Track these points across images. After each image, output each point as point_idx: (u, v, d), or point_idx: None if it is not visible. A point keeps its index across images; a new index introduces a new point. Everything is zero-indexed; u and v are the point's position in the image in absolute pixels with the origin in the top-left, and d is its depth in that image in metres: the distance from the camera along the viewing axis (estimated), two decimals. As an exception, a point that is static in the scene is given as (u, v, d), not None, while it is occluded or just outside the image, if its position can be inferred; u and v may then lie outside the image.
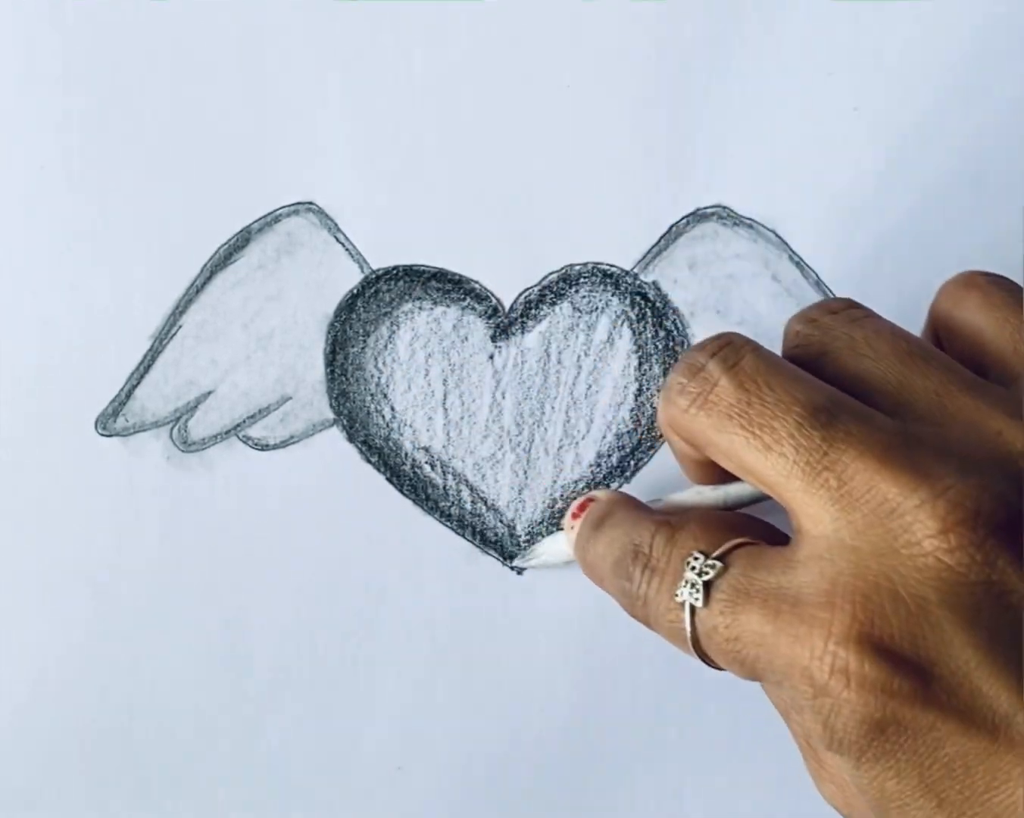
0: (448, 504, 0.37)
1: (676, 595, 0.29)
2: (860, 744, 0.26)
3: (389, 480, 0.37)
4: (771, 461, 0.28)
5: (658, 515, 0.32)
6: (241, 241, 0.37)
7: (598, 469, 0.37)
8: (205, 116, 0.37)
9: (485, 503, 0.37)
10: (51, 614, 0.36)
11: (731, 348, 0.29)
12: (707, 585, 0.28)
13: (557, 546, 0.36)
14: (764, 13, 0.37)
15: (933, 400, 0.28)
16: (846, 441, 0.27)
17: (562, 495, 0.37)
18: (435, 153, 0.37)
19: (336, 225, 0.37)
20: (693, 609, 0.28)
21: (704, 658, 0.29)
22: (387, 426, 0.37)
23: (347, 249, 0.37)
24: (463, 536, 0.37)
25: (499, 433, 0.37)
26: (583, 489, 0.37)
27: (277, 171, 0.37)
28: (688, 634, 0.29)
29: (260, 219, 0.37)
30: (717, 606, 0.28)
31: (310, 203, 0.37)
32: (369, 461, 0.37)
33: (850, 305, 0.31)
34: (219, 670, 0.37)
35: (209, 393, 0.37)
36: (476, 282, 0.37)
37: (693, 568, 0.29)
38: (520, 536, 0.37)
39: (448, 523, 0.37)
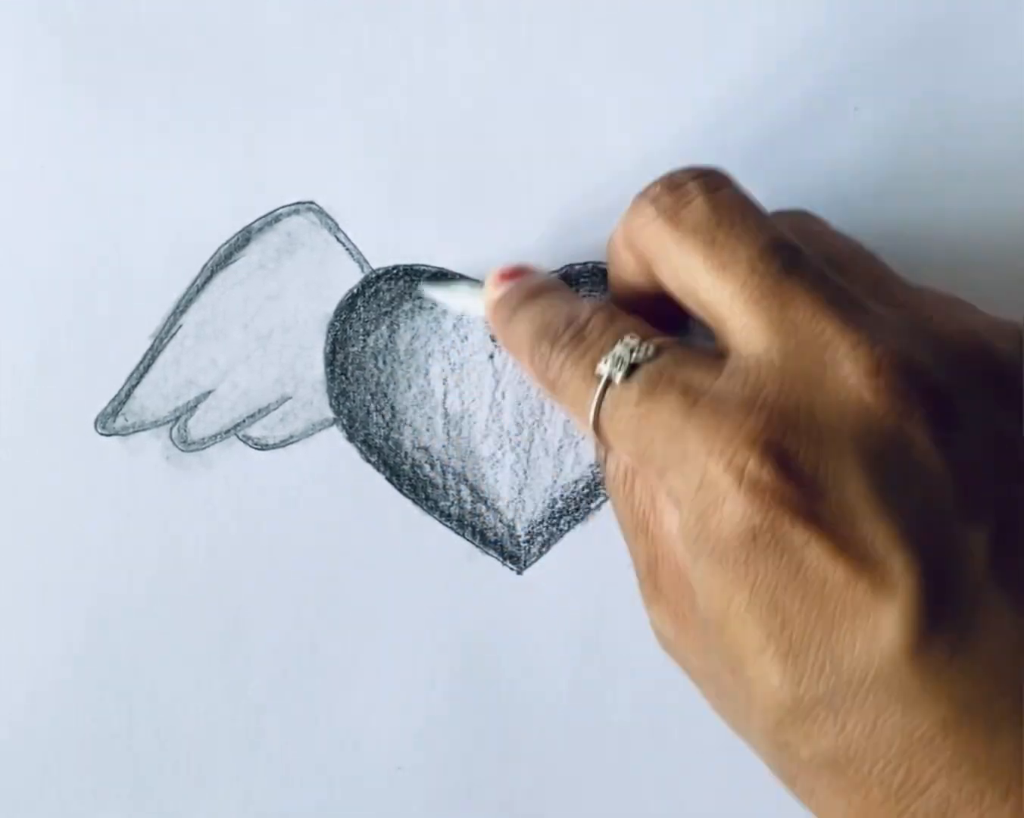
0: (448, 504, 0.37)
1: (598, 366, 0.29)
2: (728, 544, 0.26)
3: (389, 480, 0.37)
4: (721, 280, 0.28)
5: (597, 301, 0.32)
6: (241, 241, 0.37)
7: (598, 469, 0.37)
8: (205, 115, 0.37)
9: (485, 503, 0.37)
10: (51, 614, 0.36)
11: (715, 175, 0.30)
12: (632, 365, 0.29)
13: (472, 300, 0.36)
14: (764, 13, 0.37)
15: (871, 280, 0.30)
16: (800, 278, 0.28)
17: (562, 495, 0.37)
18: (435, 153, 0.37)
19: (336, 225, 0.37)
20: (609, 383, 0.29)
21: (596, 433, 0.29)
22: (387, 425, 0.37)
23: (347, 249, 0.37)
24: (463, 536, 0.37)
25: (499, 433, 0.37)
26: (583, 489, 0.37)
27: (277, 171, 0.37)
28: (594, 404, 0.29)
29: (260, 218, 0.37)
30: (637, 385, 0.28)
31: (310, 203, 0.37)
32: (369, 461, 0.37)
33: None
34: (219, 670, 0.37)
35: (209, 392, 0.37)
36: (476, 282, 0.37)
37: (626, 345, 0.29)
38: (520, 536, 0.37)
39: (448, 523, 0.37)
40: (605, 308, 0.31)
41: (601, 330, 0.30)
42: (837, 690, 0.25)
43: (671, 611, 0.30)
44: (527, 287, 0.34)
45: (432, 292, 0.37)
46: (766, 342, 0.27)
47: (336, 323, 0.37)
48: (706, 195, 0.29)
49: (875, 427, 0.26)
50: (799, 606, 0.25)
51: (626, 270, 0.32)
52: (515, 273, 0.34)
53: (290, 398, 0.37)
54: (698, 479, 0.27)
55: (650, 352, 0.29)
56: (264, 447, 0.37)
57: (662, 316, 0.31)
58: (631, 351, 0.29)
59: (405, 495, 0.37)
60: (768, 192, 0.37)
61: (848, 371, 0.26)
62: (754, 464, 0.26)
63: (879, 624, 0.25)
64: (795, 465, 0.26)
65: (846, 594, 0.25)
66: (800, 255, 0.28)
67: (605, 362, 0.29)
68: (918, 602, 0.25)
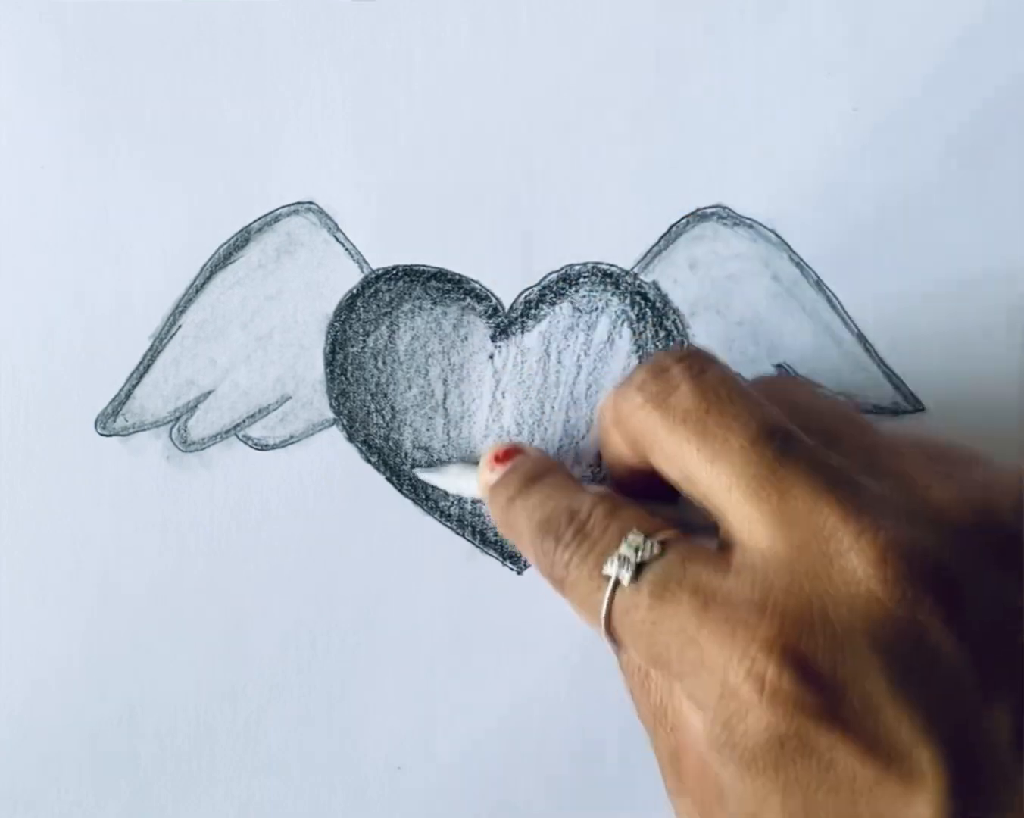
0: (448, 504, 0.37)
1: (604, 566, 0.29)
2: (756, 753, 0.26)
3: (389, 480, 0.37)
4: (717, 470, 0.28)
5: (595, 491, 0.32)
6: (241, 241, 0.37)
7: (598, 469, 0.37)
8: (205, 116, 0.37)
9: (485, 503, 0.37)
10: (51, 614, 0.36)
11: (698, 358, 0.30)
12: (639, 565, 0.28)
13: (465, 482, 0.36)
14: (764, 13, 0.37)
15: (864, 451, 0.29)
16: (796, 464, 0.27)
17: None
18: (435, 153, 0.37)
19: (336, 225, 0.37)
20: (617, 584, 0.28)
21: (609, 635, 0.29)
22: (387, 426, 0.37)
23: (347, 249, 0.37)
24: (463, 536, 0.37)
25: (499, 433, 0.37)
26: (583, 489, 0.37)
27: (277, 171, 0.37)
28: (604, 608, 0.29)
29: (260, 219, 0.37)
30: (646, 587, 0.28)
31: (310, 203, 0.37)
32: (369, 461, 0.37)
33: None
34: (219, 670, 0.37)
35: (209, 393, 0.37)
36: (476, 282, 0.37)
37: (630, 544, 0.29)
38: (520, 536, 0.37)
39: (448, 523, 0.37)
40: (605, 501, 0.30)
41: (604, 526, 0.30)
42: None
43: (697, 802, 0.29)
44: (523, 474, 0.33)
45: (426, 476, 0.37)
46: (769, 536, 0.27)
47: (336, 323, 0.37)
48: (692, 380, 0.29)
49: (888, 618, 0.26)
50: (832, 805, 0.26)
51: (618, 449, 0.32)
52: (508, 454, 0.34)
53: (290, 398, 0.37)
54: (718, 688, 0.26)
55: (655, 550, 0.28)
56: (264, 447, 0.37)
57: (659, 487, 0.31)
58: (636, 550, 0.29)
59: (405, 495, 0.37)
60: (768, 193, 0.37)
61: (855, 563, 0.26)
62: (773, 672, 0.26)
63: (912, 816, 0.25)
64: (813, 668, 0.26)
65: (876, 790, 0.25)
66: (793, 438, 0.28)
67: (611, 563, 0.29)
68: (948, 792, 0.25)
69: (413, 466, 0.37)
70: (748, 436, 0.28)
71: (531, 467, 0.34)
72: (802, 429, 0.29)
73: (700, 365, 0.29)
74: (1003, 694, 0.26)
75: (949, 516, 0.28)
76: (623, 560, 0.28)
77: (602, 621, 0.29)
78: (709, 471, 0.28)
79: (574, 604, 0.30)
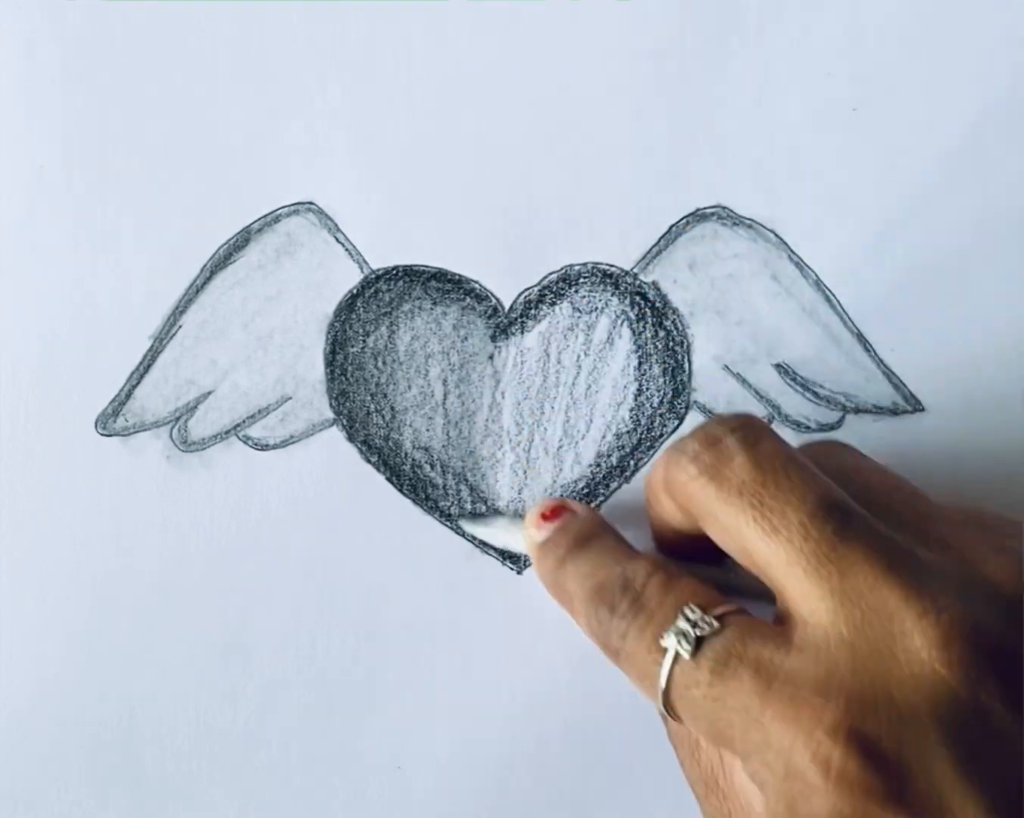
0: (448, 504, 0.37)
1: (662, 640, 0.29)
2: None
3: (389, 480, 0.37)
4: (776, 545, 0.28)
5: (646, 557, 0.32)
6: (241, 241, 0.37)
7: (598, 469, 0.37)
8: (205, 116, 0.37)
9: (485, 503, 0.37)
10: (51, 614, 0.36)
11: (752, 428, 0.29)
12: (699, 640, 0.28)
13: (512, 537, 0.36)
14: (764, 13, 0.37)
15: (917, 521, 0.29)
16: (856, 541, 0.27)
17: (562, 495, 0.37)
18: (435, 153, 0.37)
19: (336, 225, 0.37)
20: (675, 660, 0.28)
21: (667, 709, 0.29)
22: (387, 426, 0.37)
23: (347, 249, 0.37)
24: (463, 536, 0.37)
25: (499, 433, 0.37)
26: (583, 489, 0.37)
27: (277, 171, 0.37)
28: (663, 683, 0.29)
29: (260, 219, 0.37)
30: (706, 664, 0.28)
31: (310, 203, 0.37)
32: (369, 461, 0.37)
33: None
34: (219, 670, 0.37)
35: (209, 393, 0.37)
36: (476, 282, 0.37)
37: (688, 619, 0.29)
38: (520, 536, 0.37)
39: (448, 523, 0.37)
40: (660, 570, 0.30)
41: (659, 598, 0.29)
42: None
43: None
44: (573, 535, 0.33)
45: (471, 528, 0.37)
46: (831, 614, 0.27)
47: (336, 323, 0.37)
48: (747, 451, 0.29)
49: (953, 700, 0.26)
50: None
51: (667, 515, 0.31)
52: (555, 511, 0.34)
53: (290, 398, 0.37)
54: (783, 769, 0.26)
55: (714, 625, 0.28)
56: (264, 447, 0.37)
57: (707, 549, 0.30)
58: (694, 625, 0.28)
59: (405, 495, 0.37)
60: (767, 193, 0.37)
61: (919, 644, 0.26)
62: (839, 755, 0.25)
63: None
64: (879, 751, 0.25)
65: None
66: (851, 513, 0.28)
67: (669, 637, 0.28)
68: None
69: (413, 466, 0.37)
70: (807, 511, 0.28)
71: (580, 528, 0.33)
72: (854, 498, 0.29)
73: (755, 435, 0.29)
74: None
75: (1006, 591, 0.28)
76: (682, 634, 0.28)
77: (659, 696, 0.29)
78: (767, 545, 0.28)
79: (631, 676, 0.30)
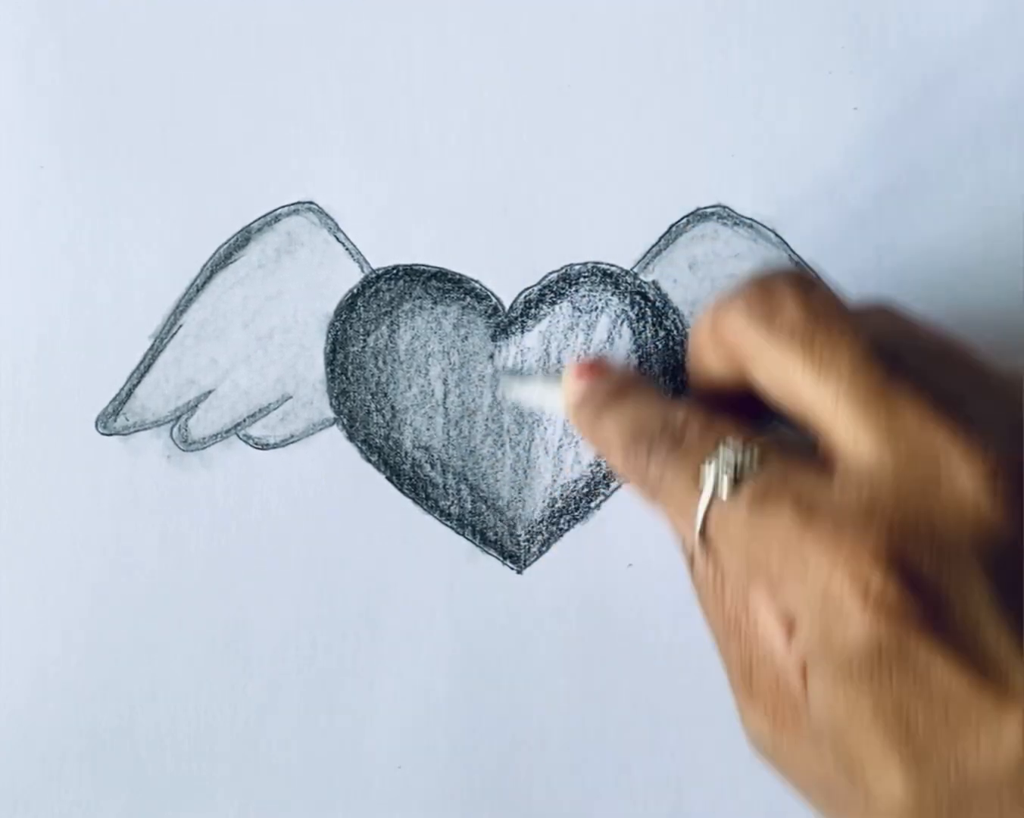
0: (448, 503, 0.37)
1: (702, 472, 0.29)
2: (854, 660, 0.26)
3: (389, 479, 0.37)
4: (824, 384, 0.28)
5: (688, 402, 0.32)
6: (241, 240, 0.37)
7: (598, 468, 0.37)
8: (205, 116, 0.37)
9: (485, 502, 0.37)
10: (51, 613, 0.36)
11: (805, 279, 0.30)
12: (738, 473, 0.28)
13: (550, 395, 0.35)
14: (764, 12, 0.37)
15: (969, 373, 0.29)
16: (904, 382, 0.27)
17: (562, 494, 0.37)
18: (435, 153, 0.37)
19: (336, 225, 0.37)
20: (714, 492, 0.28)
21: (701, 541, 0.29)
22: (387, 425, 0.37)
23: (347, 249, 0.37)
24: (463, 535, 0.37)
25: (499, 433, 0.37)
26: (583, 488, 0.37)
27: (277, 171, 0.37)
28: (701, 515, 0.28)
29: (260, 219, 0.37)
30: (746, 495, 0.28)
31: (310, 203, 0.37)
32: (369, 460, 0.37)
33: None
34: (219, 670, 0.37)
35: (209, 392, 0.37)
36: (476, 282, 0.37)
37: (730, 449, 0.28)
38: (520, 535, 0.37)
39: (448, 522, 0.37)
40: (699, 411, 0.30)
41: (700, 433, 0.29)
42: (961, 796, 0.26)
43: (770, 715, 0.29)
44: (611, 384, 0.33)
45: (508, 387, 0.36)
46: (877, 449, 0.27)
47: (336, 323, 0.37)
48: (799, 297, 0.29)
49: (994, 534, 0.26)
50: (923, 715, 0.26)
51: (712, 367, 0.31)
52: (594, 368, 0.34)
53: (290, 398, 0.37)
54: (820, 594, 0.26)
55: (755, 456, 0.28)
56: (264, 447, 0.37)
57: (746, 415, 0.30)
58: (735, 456, 0.28)
59: (405, 495, 0.37)
60: (767, 193, 0.37)
61: (964, 478, 0.26)
62: (878, 580, 0.26)
63: (1003, 732, 0.25)
64: (919, 579, 0.26)
65: (970, 703, 0.25)
66: (901, 356, 0.28)
67: (710, 468, 0.28)
68: None
69: (413, 465, 0.37)
70: (858, 352, 0.28)
71: (619, 379, 0.33)
72: (908, 349, 0.29)
73: (808, 284, 0.29)
74: None
75: None
76: (722, 466, 0.28)
77: (697, 527, 0.29)
78: (815, 385, 0.28)
79: (668, 512, 0.30)
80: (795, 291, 0.29)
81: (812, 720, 0.28)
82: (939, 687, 0.25)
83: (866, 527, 0.26)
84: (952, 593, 0.26)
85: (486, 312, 0.37)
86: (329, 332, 0.37)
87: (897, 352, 0.28)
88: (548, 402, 0.36)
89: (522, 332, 0.37)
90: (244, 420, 0.37)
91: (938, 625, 0.25)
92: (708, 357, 0.31)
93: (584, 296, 0.37)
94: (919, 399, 0.27)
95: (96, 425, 0.37)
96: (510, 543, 0.37)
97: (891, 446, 0.27)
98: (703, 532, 0.29)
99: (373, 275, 0.37)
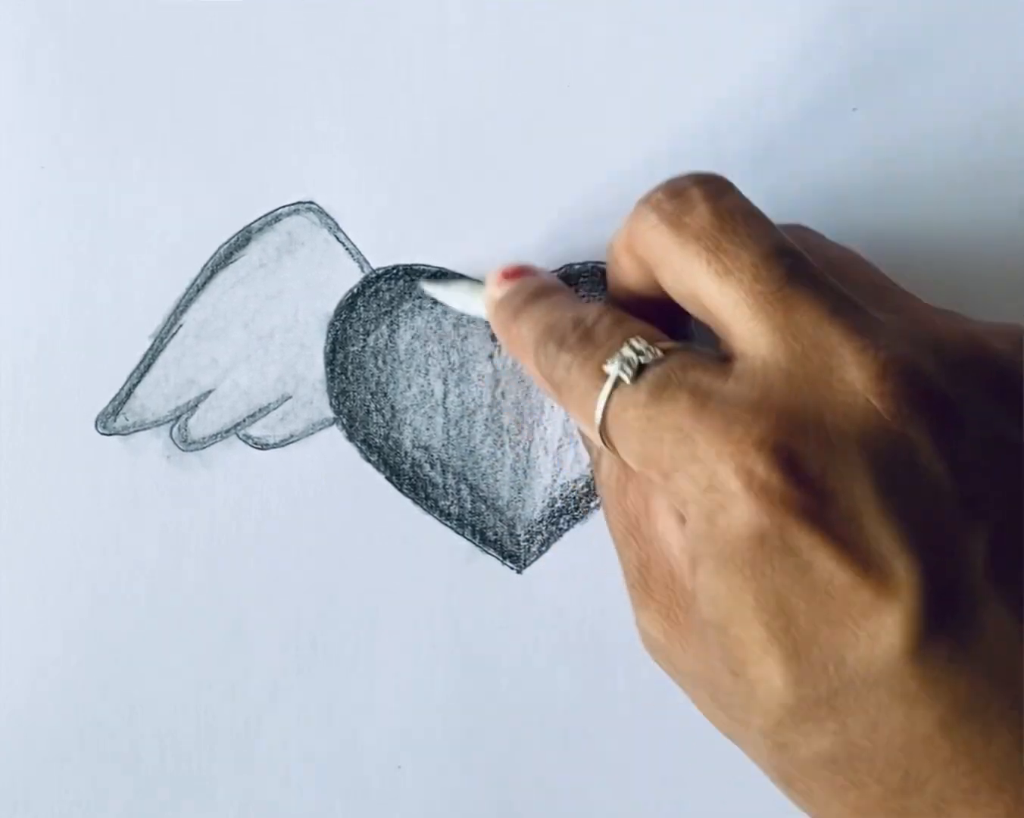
0: (448, 503, 0.37)
1: (606, 366, 0.29)
2: (736, 547, 0.26)
3: (389, 479, 0.37)
4: (725, 285, 0.28)
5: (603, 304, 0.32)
6: (242, 240, 0.37)
7: (590, 471, 0.37)
8: (205, 115, 0.37)
9: (485, 502, 0.37)
10: (51, 614, 0.36)
11: (717, 182, 0.30)
12: (641, 366, 0.28)
13: (471, 298, 0.36)
14: (764, 12, 0.37)
15: (872, 287, 0.30)
16: (804, 284, 0.28)
17: (562, 494, 0.37)
18: (435, 153, 0.37)
19: (336, 225, 0.37)
20: (616, 384, 0.29)
21: (602, 436, 0.29)
22: (387, 425, 0.37)
23: (347, 248, 0.37)
24: (463, 535, 0.37)
25: (499, 433, 0.37)
26: (583, 488, 0.37)
27: (277, 171, 0.37)
28: (601, 406, 0.29)
29: (260, 218, 0.37)
30: (644, 386, 0.28)
31: (310, 203, 0.37)
32: (369, 460, 0.37)
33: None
34: (219, 670, 0.37)
35: (209, 392, 0.37)
36: (476, 281, 0.37)
37: (633, 348, 0.29)
38: (520, 535, 0.37)
39: (448, 522, 0.37)
40: (611, 311, 0.31)
41: (608, 332, 0.30)
42: (839, 690, 0.26)
43: (663, 614, 0.30)
44: (531, 287, 0.33)
45: (432, 290, 0.37)
46: (772, 346, 0.27)
47: (336, 323, 0.37)
48: (709, 201, 0.29)
49: (881, 432, 0.26)
50: (804, 608, 0.26)
51: (627, 275, 0.32)
52: (517, 272, 0.34)
53: (290, 397, 0.37)
54: (707, 481, 0.27)
55: (658, 355, 0.29)
56: (264, 447, 0.37)
57: (662, 322, 0.31)
58: (639, 353, 0.29)
59: (405, 495, 0.37)
60: (767, 193, 0.37)
61: (854, 376, 0.27)
62: (763, 468, 0.26)
63: (882, 626, 0.25)
64: (803, 469, 0.26)
65: (851, 596, 0.25)
66: (803, 261, 0.28)
67: (613, 363, 0.29)
68: (920, 605, 0.25)
69: (413, 465, 0.37)
70: (760, 253, 0.28)
71: (540, 283, 0.34)
72: (813, 257, 0.29)
73: (719, 188, 0.30)
74: (984, 521, 0.26)
75: (951, 346, 0.28)
76: (625, 360, 0.29)
77: (597, 419, 0.29)
78: (718, 286, 0.28)
79: (570, 405, 0.30)
80: (706, 195, 0.29)
81: (699, 614, 0.28)
82: (820, 579, 0.26)
83: (755, 417, 0.26)
84: (837, 486, 0.26)
85: (486, 312, 0.37)
86: (329, 332, 0.37)
87: (801, 256, 0.28)
88: (470, 305, 0.36)
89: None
90: (244, 420, 0.37)
91: (820, 515, 0.26)
92: (623, 265, 0.31)
93: (584, 296, 0.37)
94: (817, 300, 0.27)
95: (96, 425, 0.37)
96: (510, 543, 0.37)
97: (786, 343, 0.27)
98: (604, 427, 0.29)
99: (373, 275, 0.37)
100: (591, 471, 0.37)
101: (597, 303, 0.32)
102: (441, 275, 0.37)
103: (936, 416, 0.26)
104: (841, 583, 0.25)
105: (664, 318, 0.31)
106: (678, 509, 0.29)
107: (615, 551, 0.32)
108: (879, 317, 0.28)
